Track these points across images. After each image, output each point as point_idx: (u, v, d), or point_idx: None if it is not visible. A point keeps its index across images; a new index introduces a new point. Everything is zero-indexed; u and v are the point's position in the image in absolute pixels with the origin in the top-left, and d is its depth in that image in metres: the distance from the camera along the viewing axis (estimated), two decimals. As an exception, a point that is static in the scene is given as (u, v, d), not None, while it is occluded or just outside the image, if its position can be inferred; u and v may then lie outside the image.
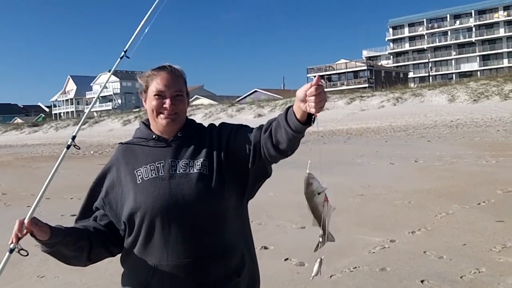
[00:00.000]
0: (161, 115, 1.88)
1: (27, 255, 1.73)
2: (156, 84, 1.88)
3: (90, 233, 1.86)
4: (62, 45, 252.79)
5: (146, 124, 2.00)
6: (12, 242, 1.71)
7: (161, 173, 1.83)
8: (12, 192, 11.84)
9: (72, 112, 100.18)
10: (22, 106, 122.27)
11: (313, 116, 1.58)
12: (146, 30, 2.16)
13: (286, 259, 5.23)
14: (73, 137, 2.01)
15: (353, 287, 4.39)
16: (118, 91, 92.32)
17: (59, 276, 5.06)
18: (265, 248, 5.63)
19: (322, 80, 1.55)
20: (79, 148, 2.00)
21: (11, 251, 1.71)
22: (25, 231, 1.69)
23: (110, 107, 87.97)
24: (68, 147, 2.00)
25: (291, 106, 1.65)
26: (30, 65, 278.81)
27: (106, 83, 2.56)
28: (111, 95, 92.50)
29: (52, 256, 1.81)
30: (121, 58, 2.00)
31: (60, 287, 4.86)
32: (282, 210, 7.75)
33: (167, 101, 1.87)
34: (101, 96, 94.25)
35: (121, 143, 2.02)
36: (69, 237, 1.78)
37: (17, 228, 1.70)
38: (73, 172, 15.00)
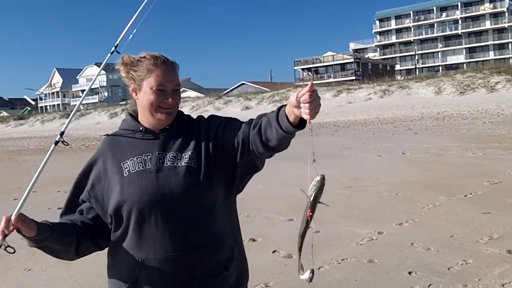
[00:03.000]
0: (161, 110, 1.83)
1: (14, 252, 1.69)
2: (156, 78, 1.81)
3: (77, 227, 1.83)
4: (48, 37, 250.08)
5: (133, 115, 1.95)
6: None
7: (148, 165, 1.80)
8: (-2, 186, 11.74)
9: (58, 105, 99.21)
10: (7, 99, 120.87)
11: (307, 122, 1.56)
12: (138, 25, 2.09)
13: (274, 251, 5.23)
14: (62, 133, 1.96)
15: (340, 279, 4.41)
16: (105, 83, 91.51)
17: (46, 269, 5.02)
18: (253, 240, 5.62)
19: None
20: (68, 144, 1.95)
21: None
22: (11, 227, 1.66)
23: (96, 100, 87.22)
24: (56, 143, 1.95)
25: (283, 106, 1.62)
26: (16, 57, 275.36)
27: (96, 77, 2.48)
28: (98, 88, 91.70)
29: (40, 250, 1.79)
30: (111, 53, 1.93)
31: (47, 280, 4.83)
32: (270, 202, 7.76)
33: (168, 96, 1.83)
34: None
35: (107, 134, 1.98)
36: (56, 232, 1.75)
37: (4, 225, 1.66)
38: (60, 165, 14.85)
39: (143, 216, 1.76)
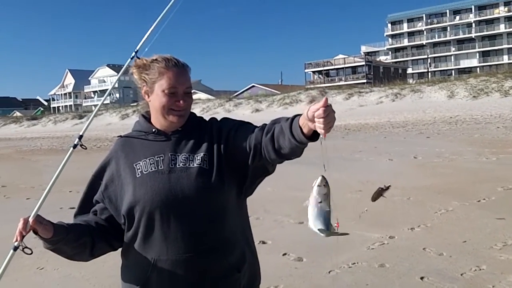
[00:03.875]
0: (173, 112, 1.84)
1: (31, 253, 1.71)
2: (168, 81, 1.82)
3: (92, 228, 1.84)
4: (61, 38, 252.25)
5: (146, 117, 1.96)
6: (16, 240, 1.69)
7: (161, 166, 1.81)
8: (12, 185, 11.90)
9: (70, 106, 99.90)
10: (21, 100, 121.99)
11: (321, 136, 1.55)
12: (159, 31, 2.07)
13: (284, 254, 5.21)
14: (80, 137, 1.96)
15: (351, 283, 4.37)
16: (116, 85, 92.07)
17: (59, 268, 5.05)
18: (263, 242, 5.61)
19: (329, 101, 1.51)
20: (85, 148, 1.95)
21: (15, 249, 1.70)
22: (29, 229, 1.68)
23: (108, 101, 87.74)
24: (75, 146, 1.95)
25: (298, 115, 1.61)
26: (29, 58, 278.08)
27: (115, 83, 2.46)
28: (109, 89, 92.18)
29: (54, 253, 1.80)
30: (132, 58, 1.92)
31: (59, 279, 4.86)
32: (279, 205, 7.73)
33: (180, 99, 1.83)
34: (99, 90, 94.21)
35: (120, 136, 1.99)
36: (71, 234, 1.76)
37: (22, 226, 1.68)
38: (72, 165, 14.90)
39: (155, 216, 1.77)
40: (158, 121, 1.89)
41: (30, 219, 1.68)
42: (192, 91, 1.93)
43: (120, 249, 1.94)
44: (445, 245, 5.27)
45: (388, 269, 4.68)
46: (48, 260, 5.11)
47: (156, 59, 1.87)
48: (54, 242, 1.72)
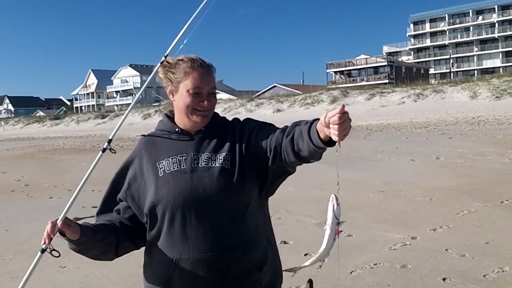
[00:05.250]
0: (196, 112, 1.85)
1: (59, 256, 1.73)
2: (193, 81, 1.83)
3: (116, 228, 1.86)
4: (83, 38, 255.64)
5: (169, 116, 1.97)
6: (44, 243, 1.71)
7: (183, 166, 1.82)
8: (35, 184, 12.05)
9: (93, 105, 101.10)
10: (44, 99, 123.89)
11: (336, 143, 1.56)
12: (189, 35, 2.05)
13: (306, 254, 5.20)
14: (109, 141, 1.97)
15: (373, 284, 4.35)
16: (138, 85, 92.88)
17: (81, 267, 5.12)
18: (285, 242, 5.61)
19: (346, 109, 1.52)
20: (115, 152, 1.94)
21: (43, 251, 1.71)
22: (57, 231, 1.70)
23: (130, 101, 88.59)
24: (104, 150, 1.96)
25: (317, 119, 1.62)
26: (53, 58, 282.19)
27: (146, 83, 2.45)
28: (132, 89, 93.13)
29: (80, 254, 1.82)
30: (161, 63, 1.92)
31: (81, 278, 4.93)
32: (301, 205, 7.73)
33: (204, 99, 1.85)
34: (121, 90, 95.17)
35: (144, 135, 2.00)
36: (97, 234, 1.78)
37: (50, 229, 1.69)
38: (96, 165, 15.13)
39: (178, 215, 1.78)
40: (181, 120, 1.90)
41: (59, 222, 1.70)
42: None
43: (143, 248, 1.96)
44: (467, 246, 5.21)
45: (410, 270, 4.64)
46: (70, 259, 5.14)
47: (182, 59, 1.89)
48: (80, 244, 1.74)
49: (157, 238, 1.83)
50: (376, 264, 4.81)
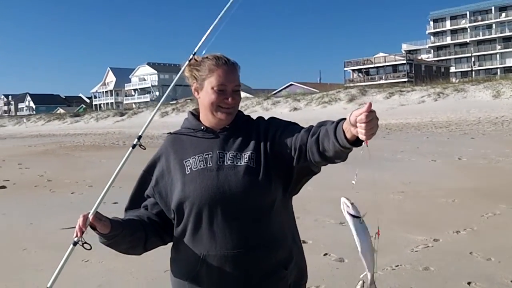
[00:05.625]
0: (221, 109, 1.87)
1: (90, 249, 1.77)
2: (218, 78, 1.86)
3: (144, 223, 1.90)
4: (102, 37, 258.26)
5: (194, 114, 1.99)
6: (76, 236, 1.74)
7: (209, 164, 1.85)
8: (57, 179, 12.28)
9: (111, 103, 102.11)
10: (64, 97, 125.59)
11: (363, 142, 1.52)
12: (216, 33, 2.07)
13: (325, 254, 5.16)
14: (139, 137, 1.99)
15: (395, 286, 4.28)
16: (156, 83, 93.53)
17: (103, 261, 5.16)
18: (304, 242, 5.52)
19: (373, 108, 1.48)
20: (145, 148, 1.99)
21: (75, 244, 1.75)
22: (88, 225, 1.73)
23: (148, 99, 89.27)
24: (134, 146, 1.99)
25: (343, 119, 1.60)
26: (72, 56, 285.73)
27: (173, 84, 2.41)
28: (149, 87, 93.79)
29: (109, 247, 1.85)
30: (189, 60, 1.94)
31: (103, 272, 4.97)
32: (320, 205, 7.66)
33: (229, 96, 1.87)
34: (139, 88, 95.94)
35: (170, 133, 2.03)
36: (126, 229, 1.82)
37: (82, 222, 1.73)
38: (116, 161, 15.28)
39: (204, 213, 1.81)
40: (206, 118, 1.92)
41: (90, 216, 1.73)
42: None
43: (165, 244, 2.00)
44: (493, 250, 5.09)
45: (433, 272, 4.55)
46: (93, 253, 5.19)
47: (206, 57, 1.92)
48: (110, 237, 1.78)
49: (184, 234, 1.87)
50: (397, 266, 4.73)
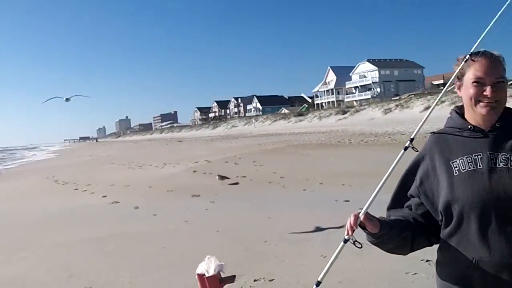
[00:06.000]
0: (480, 103, 1.78)
1: (361, 247, 1.81)
2: (474, 71, 1.79)
3: (410, 224, 1.89)
4: (322, 36, 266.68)
5: (458, 112, 1.92)
6: (347, 234, 1.81)
7: (479, 166, 1.75)
8: (288, 176, 13.03)
9: (332, 102, 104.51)
10: (287, 97, 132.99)
11: None
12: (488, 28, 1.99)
13: None
14: (411, 139, 1.99)
15: None
16: (377, 79, 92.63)
17: (342, 258, 5.25)
18: None
19: None
20: (417, 151, 1.96)
21: (345, 241, 1.82)
22: (359, 224, 1.79)
23: (369, 96, 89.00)
24: (406, 148, 1.98)
25: None
26: (293, 58, 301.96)
27: (446, 87, 2.36)
28: (370, 84, 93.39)
29: (375, 246, 1.89)
30: (465, 61, 1.87)
31: (342, 268, 4.83)
32: None
33: (487, 88, 1.77)
34: (360, 86, 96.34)
35: (433, 132, 1.98)
36: (394, 229, 1.83)
37: (353, 221, 1.79)
38: (342, 159, 15.68)
39: (475, 216, 1.72)
40: (470, 115, 1.85)
41: (361, 215, 1.78)
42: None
43: (430, 245, 1.96)
44: None
45: None
46: (329, 248, 5.37)
47: (470, 54, 1.86)
48: (378, 237, 1.81)
49: (451, 237, 1.81)
50: None
